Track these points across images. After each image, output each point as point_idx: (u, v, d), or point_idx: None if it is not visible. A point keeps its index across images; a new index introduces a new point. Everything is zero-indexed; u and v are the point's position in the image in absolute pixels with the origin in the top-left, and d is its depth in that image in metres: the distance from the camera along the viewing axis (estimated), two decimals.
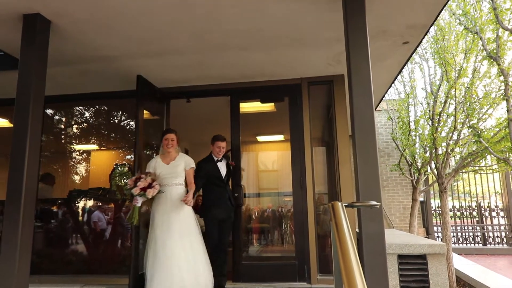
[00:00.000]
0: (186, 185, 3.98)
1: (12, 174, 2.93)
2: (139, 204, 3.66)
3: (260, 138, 6.62)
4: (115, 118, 5.65)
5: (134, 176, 3.84)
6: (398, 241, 4.16)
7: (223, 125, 4.86)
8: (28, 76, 3.10)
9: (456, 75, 4.92)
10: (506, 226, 9.19)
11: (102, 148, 5.89)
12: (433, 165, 5.72)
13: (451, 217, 9.42)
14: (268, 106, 5.35)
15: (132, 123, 5.77)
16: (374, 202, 1.85)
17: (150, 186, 3.65)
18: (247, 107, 5.06)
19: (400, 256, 4.01)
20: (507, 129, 4.24)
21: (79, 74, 4.50)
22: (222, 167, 4.27)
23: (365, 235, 2.41)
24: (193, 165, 3.98)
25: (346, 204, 1.71)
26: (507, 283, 5.08)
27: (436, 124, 5.48)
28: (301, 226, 4.35)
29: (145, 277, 3.70)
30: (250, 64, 4.29)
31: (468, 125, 4.71)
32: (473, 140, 4.75)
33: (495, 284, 4.99)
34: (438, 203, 9.13)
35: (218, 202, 4.16)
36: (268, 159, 6.33)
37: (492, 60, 3.98)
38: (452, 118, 5.15)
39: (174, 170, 3.85)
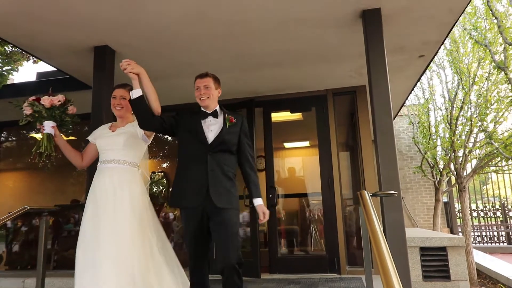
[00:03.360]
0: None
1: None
2: (46, 130, 2.67)
3: (287, 145, 7.13)
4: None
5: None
6: (420, 235, 4.57)
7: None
8: (100, 98, 3.74)
9: (471, 82, 5.31)
10: None
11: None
12: (452, 167, 6.08)
13: (475, 218, 9.64)
14: (296, 115, 5.87)
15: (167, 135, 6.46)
16: (392, 191, 2.32)
17: (65, 103, 2.74)
18: (276, 116, 5.59)
19: (422, 249, 4.42)
20: None
21: None
22: (213, 127, 2.54)
23: (387, 223, 2.87)
24: None
25: (371, 194, 2.20)
26: None
27: (454, 128, 5.86)
28: (330, 223, 4.81)
29: None
30: (281, 78, 4.83)
31: (481, 129, 5.09)
32: (486, 142, 5.12)
33: None
34: None
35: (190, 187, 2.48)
36: (295, 164, 6.82)
37: (500, 69, 4.38)
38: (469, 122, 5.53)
39: (117, 140, 2.58)
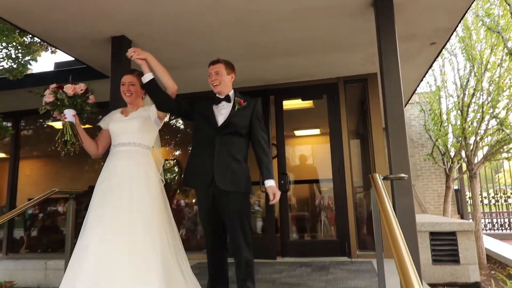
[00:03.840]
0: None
1: None
2: (68, 119, 2.64)
3: (298, 133, 7.21)
4: (173, 119, 6.41)
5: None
6: (430, 221, 4.65)
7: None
8: (117, 88, 3.82)
9: (484, 69, 5.31)
10: None
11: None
12: (463, 154, 6.12)
13: (486, 205, 9.66)
14: (307, 103, 5.93)
15: (179, 124, 6.60)
16: (403, 175, 2.41)
17: (86, 92, 2.75)
18: (287, 104, 5.66)
19: (432, 233, 4.50)
20: None
21: None
22: (223, 110, 2.62)
23: (398, 207, 2.96)
24: None
25: (383, 177, 2.29)
26: None
27: (465, 115, 5.87)
28: (341, 208, 4.92)
29: None
30: (294, 67, 4.89)
31: (492, 116, 5.11)
32: (497, 129, 5.15)
33: None
34: None
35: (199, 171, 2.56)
36: (306, 151, 6.90)
37: None
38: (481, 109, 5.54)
39: (132, 124, 2.59)
